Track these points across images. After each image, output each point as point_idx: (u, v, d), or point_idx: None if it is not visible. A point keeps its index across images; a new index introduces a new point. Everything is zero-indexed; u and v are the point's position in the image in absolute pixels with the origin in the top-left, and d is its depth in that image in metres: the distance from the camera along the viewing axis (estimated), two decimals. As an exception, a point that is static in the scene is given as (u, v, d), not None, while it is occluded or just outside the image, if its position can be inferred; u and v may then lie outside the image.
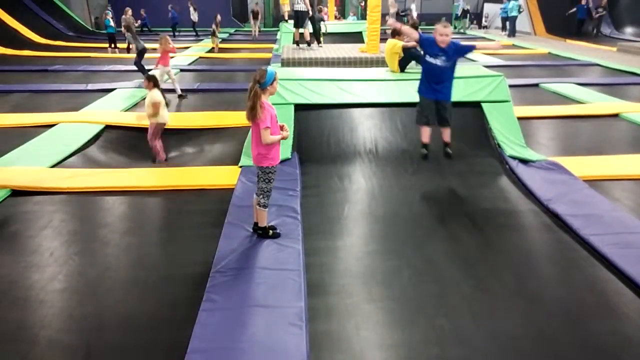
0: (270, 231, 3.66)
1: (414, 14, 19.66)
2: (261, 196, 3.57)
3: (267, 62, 12.43)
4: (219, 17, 15.91)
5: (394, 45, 6.31)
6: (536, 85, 9.65)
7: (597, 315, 2.93)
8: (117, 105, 7.77)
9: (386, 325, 2.85)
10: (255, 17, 19.67)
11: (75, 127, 6.49)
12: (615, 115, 7.35)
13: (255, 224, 3.70)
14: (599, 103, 8.00)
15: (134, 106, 7.94)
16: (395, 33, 6.45)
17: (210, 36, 15.62)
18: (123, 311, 2.96)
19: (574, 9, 18.66)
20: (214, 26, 15.28)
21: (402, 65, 6.37)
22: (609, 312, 2.95)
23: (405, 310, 2.96)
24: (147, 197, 4.60)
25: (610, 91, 9.00)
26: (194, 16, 19.29)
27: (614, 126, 6.96)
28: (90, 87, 9.27)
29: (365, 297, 3.09)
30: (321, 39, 11.20)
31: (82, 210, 4.35)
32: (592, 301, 3.06)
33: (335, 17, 20.98)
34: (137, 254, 3.62)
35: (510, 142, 5.44)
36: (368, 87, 5.95)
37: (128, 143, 6.30)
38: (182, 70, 11.61)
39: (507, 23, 19.94)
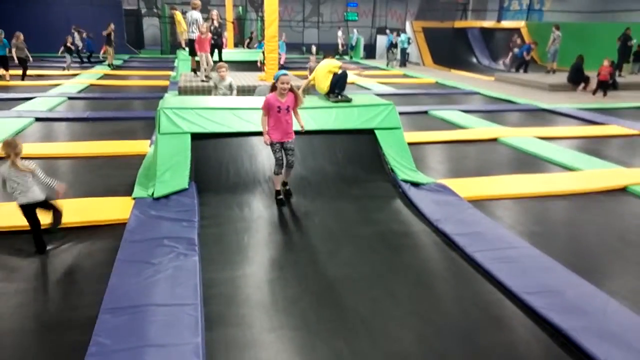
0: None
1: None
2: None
3: (165, 89, 12.14)
4: (112, 25, 15.07)
5: (331, 66, 6.41)
6: (425, 112, 10.31)
7: (483, 329, 3.13)
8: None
9: (286, 354, 2.83)
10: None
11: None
12: (494, 140, 8.04)
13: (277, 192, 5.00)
14: (480, 128, 8.71)
15: (13, 137, 7.34)
16: (336, 53, 6.56)
17: (104, 52, 14.78)
18: (-3, 364, 2.68)
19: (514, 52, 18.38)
20: (105, 33, 14.45)
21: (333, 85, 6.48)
22: (493, 325, 3.16)
23: (305, 336, 2.97)
24: (26, 236, 4.20)
25: (489, 117, 9.87)
26: (79, 42, 18.38)
27: (493, 149, 7.60)
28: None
29: (266, 327, 3.06)
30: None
31: (-50, 253, 3.90)
32: (478, 315, 3.26)
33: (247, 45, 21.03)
34: (15, 302, 3.29)
35: (402, 166, 5.74)
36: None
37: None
38: (70, 98, 10.99)
39: (392, 54, 21.10)
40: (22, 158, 3.80)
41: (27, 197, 3.83)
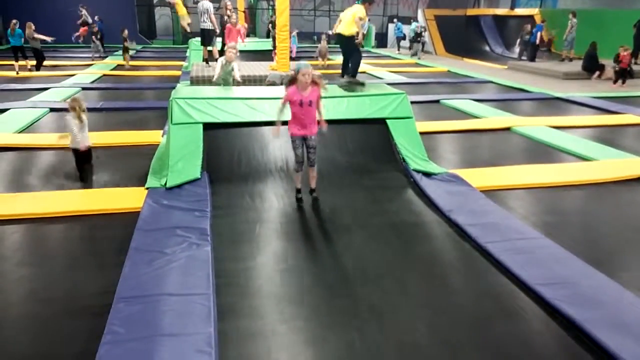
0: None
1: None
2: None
3: (176, 79, 12.17)
4: (126, 31, 15.20)
5: (357, 12, 6.38)
6: (437, 101, 10.22)
7: (496, 319, 3.12)
8: (10, 127, 7.23)
9: (298, 345, 2.85)
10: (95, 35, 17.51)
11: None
12: (507, 129, 7.96)
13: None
14: (493, 118, 8.63)
15: (28, 127, 7.44)
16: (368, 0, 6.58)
17: (122, 53, 14.94)
18: (16, 350, 2.72)
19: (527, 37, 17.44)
20: (125, 43, 14.59)
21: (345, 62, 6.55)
22: (506, 316, 3.14)
23: (317, 328, 2.98)
24: (42, 224, 4.28)
25: (502, 106, 9.76)
26: (88, 18, 18.38)
27: (506, 139, 7.53)
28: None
29: (278, 318, 3.07)
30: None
31: (-32, 242, 3.97)
32: (490, 306, 3.25)
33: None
34: (32, 287, 3.36)
35: (414, 156, 5.70)
36: (276, 105, 5.99)
37: (22, 166, 5.86)
38: (84, 88, 11.06)
39: (420, 44, 20.78)
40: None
41: (78, 145, 5.15)
